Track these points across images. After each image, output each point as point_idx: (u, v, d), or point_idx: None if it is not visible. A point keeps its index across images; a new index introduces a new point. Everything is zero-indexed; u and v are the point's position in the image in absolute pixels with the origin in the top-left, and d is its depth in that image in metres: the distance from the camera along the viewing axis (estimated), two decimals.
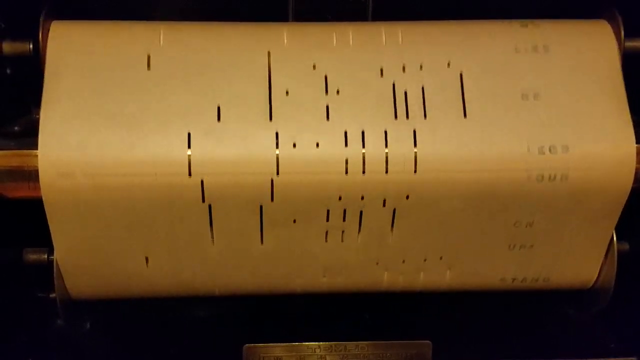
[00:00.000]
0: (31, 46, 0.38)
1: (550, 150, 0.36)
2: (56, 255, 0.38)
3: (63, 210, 0.36)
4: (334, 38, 0.38)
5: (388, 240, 0.38)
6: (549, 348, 0.42)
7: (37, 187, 0.35)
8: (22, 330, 0.42)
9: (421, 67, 0.38)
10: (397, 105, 0.37)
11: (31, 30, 0.38)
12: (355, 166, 0.36)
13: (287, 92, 0.37)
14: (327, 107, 0.36)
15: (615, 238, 0.40)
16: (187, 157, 0.35)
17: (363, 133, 0.36)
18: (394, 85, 0.37)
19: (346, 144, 0.36)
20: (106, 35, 0.38)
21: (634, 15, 0.40)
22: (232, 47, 0.38)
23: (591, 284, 0.42)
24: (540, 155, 0.36)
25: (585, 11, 0.41)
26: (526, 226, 0.39)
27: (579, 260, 0.41)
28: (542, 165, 0.36)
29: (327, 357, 0.40)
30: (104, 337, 0.43)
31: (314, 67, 0.37)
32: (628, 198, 0.38)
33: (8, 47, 0.38)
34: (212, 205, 0.36)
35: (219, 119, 0.36)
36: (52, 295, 0.39)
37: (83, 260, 0.38)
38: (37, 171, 0.35)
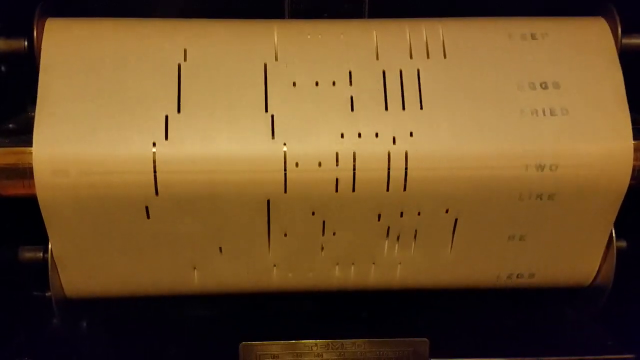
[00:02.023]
0: (26, 44, 0.38)
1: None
2: (51, 253, 0.38)
3: (58, 208, 0.36)
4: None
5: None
6: (546, 346, 0.42)
7: (32, 185, 0.35)
8: (18, 328, 0.42)
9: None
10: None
11: (26, 27, 0.38)
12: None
13: None
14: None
15: (614, 235, 0.40)
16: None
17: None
18: None
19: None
20: (101, 32, 0.38)
21: (631, 12, 0.39)
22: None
23: (589, 282, 0.42)
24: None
25: (583, 8, 0.41)
26: (524, 223, 0.38)
27: (577, 257, 0.41)
28: (539, 162, 0.36)
29: (324, 354, 0.40)
30: (100, 336, 0.43)
31: None
32: (626, 195, 0.38)
33: (3, 44, 0.38)
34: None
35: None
36: (48, 293, 0.39)
37: (78, 258, 0.38)
38: (31, 169, 0.35)
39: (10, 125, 0.38)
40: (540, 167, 0.36)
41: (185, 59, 0.37)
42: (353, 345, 0.40)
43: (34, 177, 0.35)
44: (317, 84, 0.37)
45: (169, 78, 0.37)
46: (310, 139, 0.36)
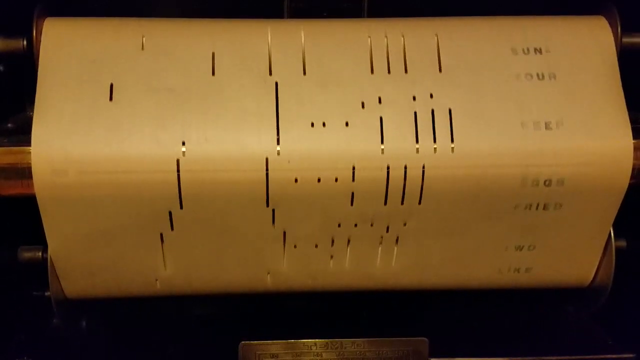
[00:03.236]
0: (25, 43, 0.38)
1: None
2: (50, 253, 0.38)
3: (56, 208, 0.36)
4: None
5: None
6: (546, 345, 0.42)
7: (31, 185, 0.35)
8: (17, 328, 0.42)
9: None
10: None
11: (25, 27, 0.38)
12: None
13: None
14: None
15: (613, 235, 0.40)
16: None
17: None
18: None
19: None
20: (100, 32, 0.38)
21: (631, 11, 0.39)
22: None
23: (589, 281, 0.42)
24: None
25: (583, 7, 0.41)
26: (524, 223, 0.38)
27: (577, 257, 0.41)
28: (538, 162, 0.36)
29: (324, 354, 0.40)
30: (100, 336, 0.43)
31: None
32: (625, 195, 0.38)
33: (1, 44, 0.38)
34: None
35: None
36: (47, 293, 0.39)
37: (77, 258, 0.38)
38: (30, 168, 0.35)
39: (9, 125, 0.38)
40: (540, 167, 0.36)
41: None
42: (352, 345, 0.40)
43: (33, 177, 0.35)
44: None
45: None
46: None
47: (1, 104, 0.40)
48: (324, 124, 0.36)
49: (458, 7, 0.41)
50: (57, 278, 0.39)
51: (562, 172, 0.37)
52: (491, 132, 0.36)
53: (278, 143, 0.36)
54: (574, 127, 0.37)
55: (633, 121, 0.37)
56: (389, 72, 0.37)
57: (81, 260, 0.38)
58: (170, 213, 0.36)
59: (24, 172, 0.35)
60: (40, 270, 0.39)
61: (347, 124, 0.36)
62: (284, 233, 0.38)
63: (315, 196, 0.36)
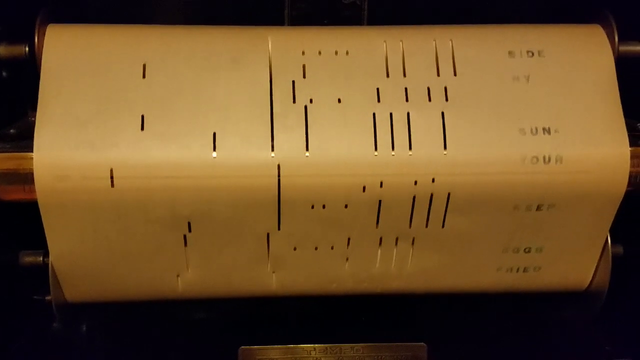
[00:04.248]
0: (27, 49, 0.38)
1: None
2: (51, 258, 0.38)
3: (58, 213, 0.36)
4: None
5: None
6: (544, 350, 0.43)
7: (33, 190, 0.35)
8: (18, 332, 0.42)
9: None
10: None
11: (27, 33, 0.38)
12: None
13: None
14: None
15: (609, 241, 0.40)
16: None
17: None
18: None
19: None
20: (102, 39, 0.38)
21: (628, 19, 0.40)
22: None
23: (585, 286, 0.42)
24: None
25: (580, 16, 0.41)
26: (521, 227, 0.39)
27: (574, 262, 0.41)
28: (536, 169, 0.37)
29: (322, 359, 0.40)
30: (100, 340, 0.43)
31: None
32: (622, 201, 0.38)
33: (4, 50, 0.38)
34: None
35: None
36: (48, 298, 0.39)
37: (78, 263, 0.38)
38: (32, 174, 0.35)
39: (11, 131, 0.38)
40: (537, 174, 0.37)
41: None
42: (351, 350, 0.40)
43: (35, 182, 0.35)
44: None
45: None
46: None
47: (3, 110, 0.40)
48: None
49: (456, 15, 0.41)
50: (58, 283, 0.39)
51: (560, 179, 0.37)
52: (487, 138, 0.37)
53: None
54: (571, 134, 0.37)
55: (630, 129, 0.38)
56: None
57: (82, 265, 0.38)
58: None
59: (26, 178, 0.35)
60: (41, 274, 0.39)
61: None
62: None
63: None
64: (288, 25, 0.42)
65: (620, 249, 0.42)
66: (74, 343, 0.43)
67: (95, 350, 0.43)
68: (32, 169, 0.35)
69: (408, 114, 0.37)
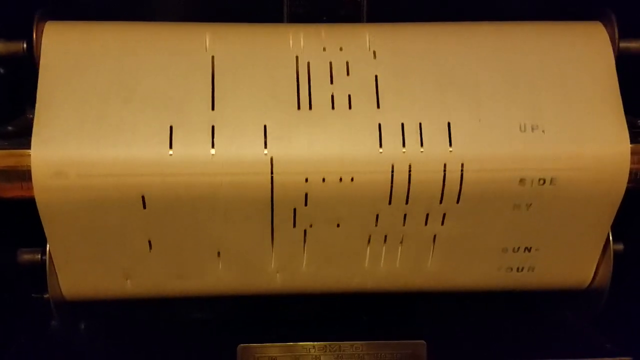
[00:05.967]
0: (25, 46, 0.38)
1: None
2: (49, 256, 0.38)
3: (56, 210, 0.36)
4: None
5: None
6: (544, 348, 0.42)
7: (31, 187, 0.35)
8: (16, 331, 0.42)
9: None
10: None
11: (25, 30, 0.38)
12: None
13: None
14: None
15: (611, 238, 0.40)
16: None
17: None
18: None
19: None
20: (100, 36, 0.38)
21: (628, 16, 0.40)
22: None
23: (587, 284, 0.42)
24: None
25: (581, 13, 0.41)
26: (522, 225, 0.39)
27: (575, 260, 0.41)
28: (536, 166, 0.36)
29: (322, 357, 0.40)
30: (99, 338, 0.43)
31: None
32: (624, 198, 0.38)
33: (2, 47, 0.38)
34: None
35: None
36: (46, 295, 0.39)
37: (77, 260, 0.38)
38: (30, 171, 0.35)
39: (9, 128, 0.38)
40: (538, 171, 0.37)
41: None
42: (351, 348, 0.40)
43: (33, 180, 0.35)
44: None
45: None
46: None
47: (1, 107, 0.40)
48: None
49: (456, 13, 0.41)
50: (56, 280, 0.39)
51: (560, 176, 0.37)
52: (488, 135, 0.37)
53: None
54: (572, 130, 0.37)
55: (631, 125, 0.38)
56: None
57: (81, 262, 0.38)
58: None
59: (24, 175, 0.35)
60: (39, 272, 0.39)
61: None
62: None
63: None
64: (287, 22, 0.42)
65: (621, 247, 0.41)
66: (72, 341, 0.43)
67: (93, 348, 0.43)
68: (29, 166, 0.35)
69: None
